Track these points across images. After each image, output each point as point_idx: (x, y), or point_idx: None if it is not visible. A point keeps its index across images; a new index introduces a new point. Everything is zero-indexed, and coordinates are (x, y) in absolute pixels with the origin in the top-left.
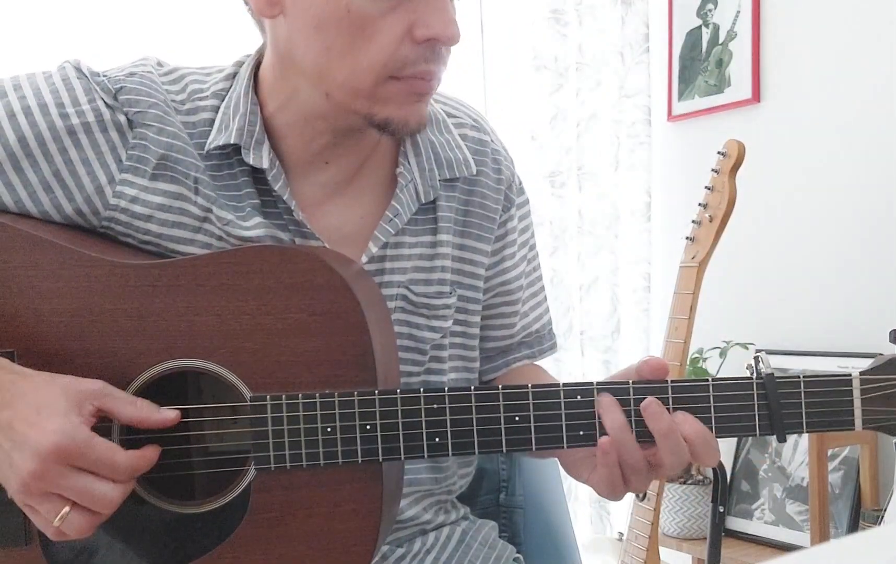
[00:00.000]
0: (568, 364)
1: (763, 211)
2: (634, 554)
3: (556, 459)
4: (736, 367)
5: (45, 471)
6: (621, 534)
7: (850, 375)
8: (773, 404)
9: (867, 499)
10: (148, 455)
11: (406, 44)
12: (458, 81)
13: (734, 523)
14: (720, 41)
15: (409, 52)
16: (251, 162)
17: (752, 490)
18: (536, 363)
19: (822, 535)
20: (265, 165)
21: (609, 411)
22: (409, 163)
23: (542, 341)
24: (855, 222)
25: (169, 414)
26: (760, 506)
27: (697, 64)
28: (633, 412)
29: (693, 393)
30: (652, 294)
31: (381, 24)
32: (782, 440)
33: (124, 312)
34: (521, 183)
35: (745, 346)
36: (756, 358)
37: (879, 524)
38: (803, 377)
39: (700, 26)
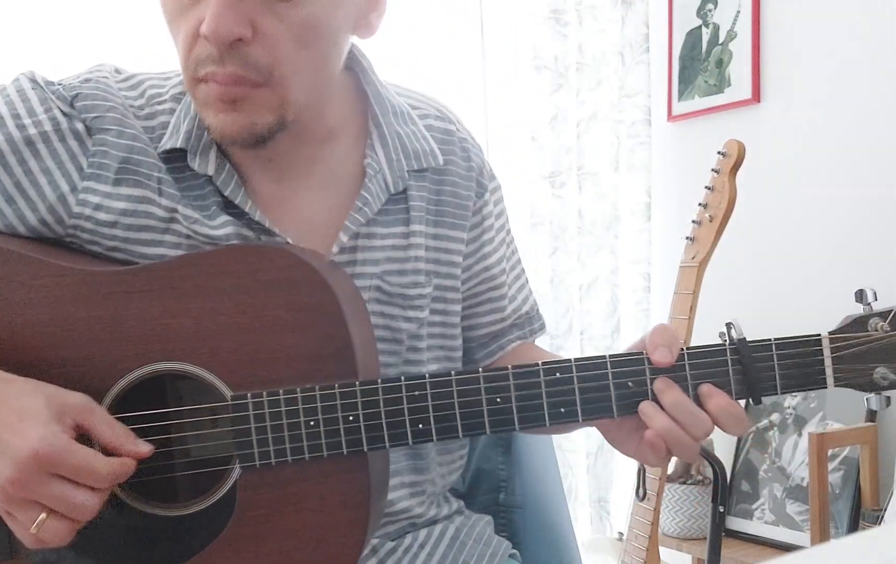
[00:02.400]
0: None
1: (763, 211)
2: (634, 554)
3: (557, 460)
4: None
5: (23, 478)
6: (621, 534)
7: (819, 336)
8: (747, 368)
9: (867, 499)
10: (127, 463)
11: (200, 41)
12: (459, 81)
13: (734, 523)
14: (720, 41)
15: (202, 50)
16: (196, 168)
17: (752, 490)
18: (529, 342)
19: (822, 535)
20: (210, 171)
21: (664, 392)
22: (376, 154)
23: (532, 321)
24: (855, 222)
25: (143, 448)
26: (760, 506)
27: (697, 64)
28: (612, 386)
29: None
30: (652, 294)
31: (181, 19)
32: (758, 402)
33: (99, 319)
34: (491, 169)
35: None
36: (728, 325)
37: (879, 524)
38: (775, 340)
39: (700, 26)
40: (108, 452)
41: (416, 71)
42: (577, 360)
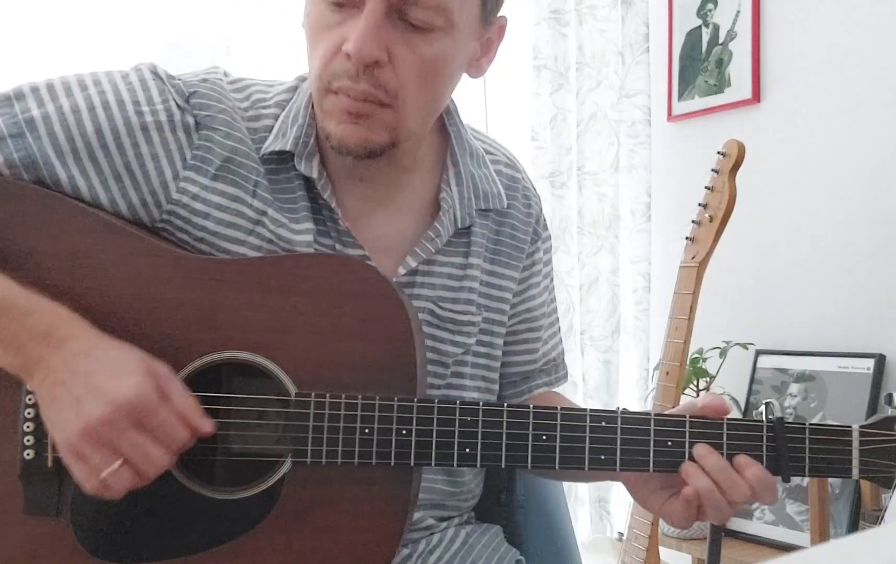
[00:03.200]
0: (568, 365)
1: (763, 211)
2: (634, 554)
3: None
4: (736, 367)
5: (114, 420)
6: (621, 534)
7: (850, 427)
8: (780, 446)
9: (867, 499)
10: (206, 431)
11: (340, 57)
12: (459, 81)
13: (734, 523)
14: (720, 41)
15: (339, 66)
16: (302, 170)
17: None
18: (553, 390)
19: (822, 535)
20: (314, 175)
21: (705, 457)
22: (450, 189)
23: (557, 369)
24: (855, 222)
25: (207, 426)
26: (760, 506)
27: (697, 64)
28: (653, 442)
29: (708, 430)
30: (652, 294)
31: (324, 35)
32: (787, 480)
33: (184, 302)
34: (546, 220)
35: (745, 346)
36: (767, 404)
37: (879, 524)
38: (809, 424)
39: (700, 26)
40: None
41: None
42: (622, 412)
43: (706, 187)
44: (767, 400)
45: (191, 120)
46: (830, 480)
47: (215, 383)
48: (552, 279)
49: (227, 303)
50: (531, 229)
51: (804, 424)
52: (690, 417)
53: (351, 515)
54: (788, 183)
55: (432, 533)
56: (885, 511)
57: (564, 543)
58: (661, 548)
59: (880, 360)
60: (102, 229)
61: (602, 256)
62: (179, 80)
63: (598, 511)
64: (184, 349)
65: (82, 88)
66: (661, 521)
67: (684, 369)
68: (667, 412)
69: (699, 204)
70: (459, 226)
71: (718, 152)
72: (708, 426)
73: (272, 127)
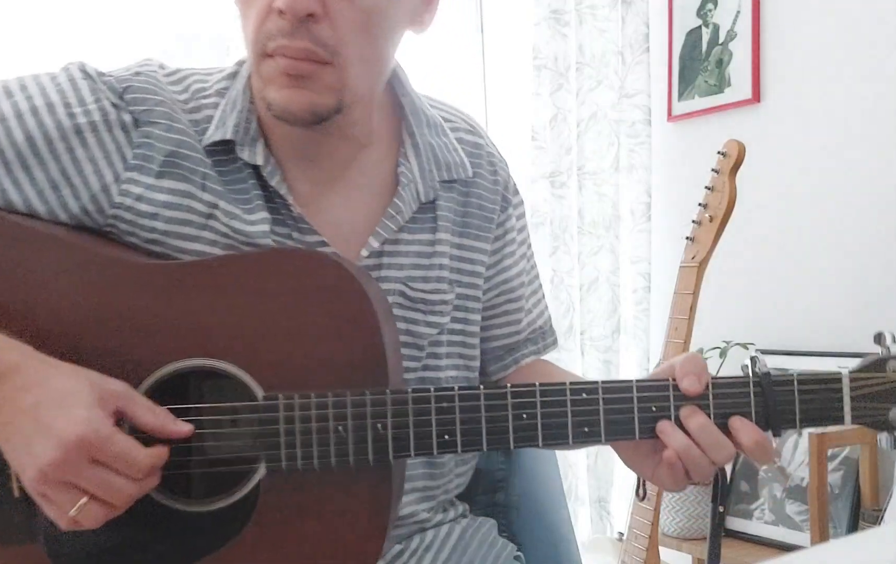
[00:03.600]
0: (568, 364)
1: (763, 211)
2: (634, 554)
3: (557, 460)
4: (736, 367)
5: (65, 461)
6: (621, 534)
7: (839, 373)
8: (769, 401)
9: (867, 499)
10: (162, 452)
11: (272, 16)
12: (459, 81)
13: (734, 523)
14: (720, 41)
15: (273, 25)
16: (245, 158)
17: (752, 490)
18: (542, 357)
19: (821, 535)
20: (259, 161)
21: (689, 417)
22: (409, 163)
23: (545, 336)
24: (855, 222)
25: (184, 427)
26: (760, 506)
27: (697, 64)
28: (636, 409)
29: None
30: (652, 294)
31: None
32: (777, 434)
33: (144, 310)
34: (515, 185)
35: (745, 346)
36: (752, 359)
37: (879, 524)
38: (797, 375)
39: (700, 26)
40: (145, 441)
41: (416, 71)
42: (603, 382)
43: (706, 187)
44: (752, 355)
45: (128, 117)
46: (830, 480)
47: (182, 392)
48: (530, 246)
49: (188, 309)
50: (499, 196)
51: (792, 375)
52: (675, 380)
53: (332, 519)
54: (788, 183)
55: (425, 530)
56: (885, 510)
57: (564, 543)
58: (661, 548)
59: None
60: (48, 240)
61: (602, 256)
62: (111, 76)
63: (598, 511)
64: (145, 360)
65: (8, 94)
66: (661, 521)
67: None
68: (648, 377)
69: (699, 204)
70: (423, 200)
71: (718, 152)
72: None
73: (213, 117)
